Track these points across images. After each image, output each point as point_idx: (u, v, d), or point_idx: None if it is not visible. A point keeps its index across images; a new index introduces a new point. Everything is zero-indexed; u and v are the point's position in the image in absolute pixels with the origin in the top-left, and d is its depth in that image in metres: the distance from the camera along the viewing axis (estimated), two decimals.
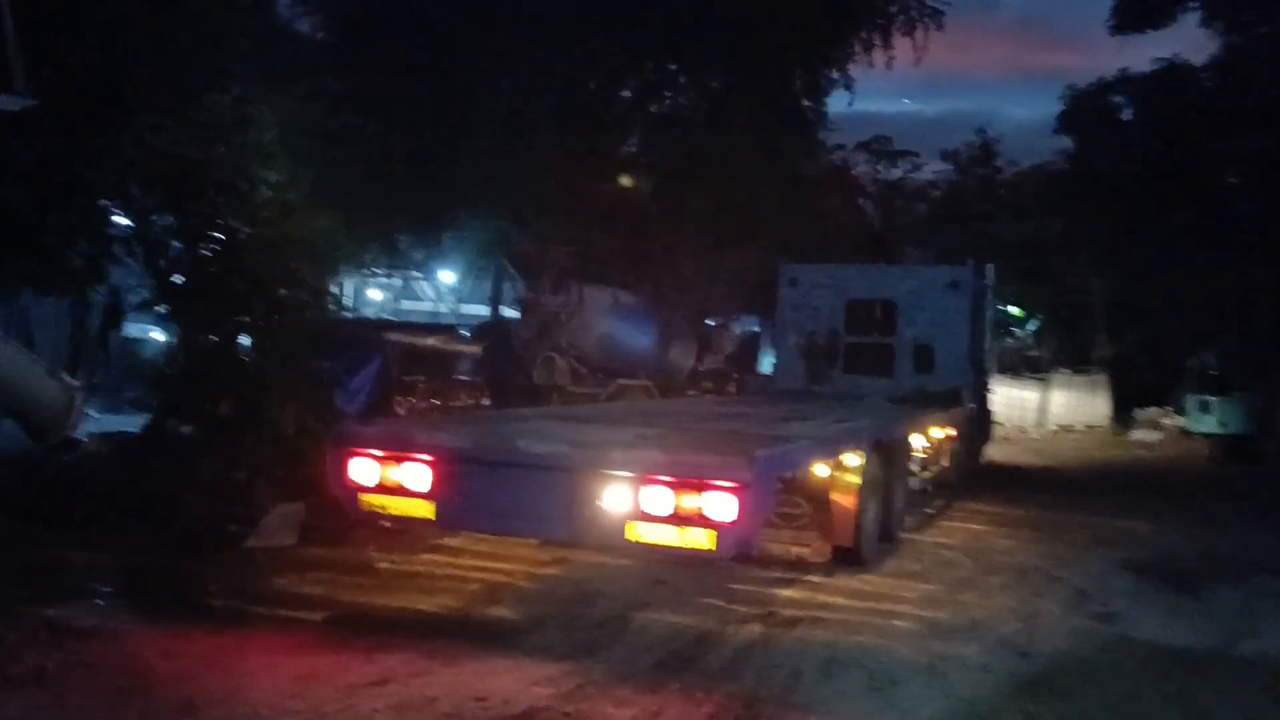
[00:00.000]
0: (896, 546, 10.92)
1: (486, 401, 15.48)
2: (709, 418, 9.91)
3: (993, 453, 20.33)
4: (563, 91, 21.51)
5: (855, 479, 9.41)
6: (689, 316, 21.84)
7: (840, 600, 8.68)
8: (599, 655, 7.00)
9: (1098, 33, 24.90)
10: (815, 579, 9.29)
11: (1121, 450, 25.73)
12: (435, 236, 21.93)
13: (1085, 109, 25.49)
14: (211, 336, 10.86)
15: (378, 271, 36.89)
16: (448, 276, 33.87)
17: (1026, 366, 32.25)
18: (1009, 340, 33.04)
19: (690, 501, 6.90)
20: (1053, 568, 10.50)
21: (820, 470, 9.12)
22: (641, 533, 7.00)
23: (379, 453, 7.68)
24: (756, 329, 25.11)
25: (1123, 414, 29.28)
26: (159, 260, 10.85)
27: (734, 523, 6.80)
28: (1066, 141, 27.04)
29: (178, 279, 10.89)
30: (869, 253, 23.97)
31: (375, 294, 41.39)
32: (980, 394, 16.98)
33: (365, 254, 21.77)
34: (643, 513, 6.99)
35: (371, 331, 13.98)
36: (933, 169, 39.12)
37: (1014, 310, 33.14)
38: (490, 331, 21.26)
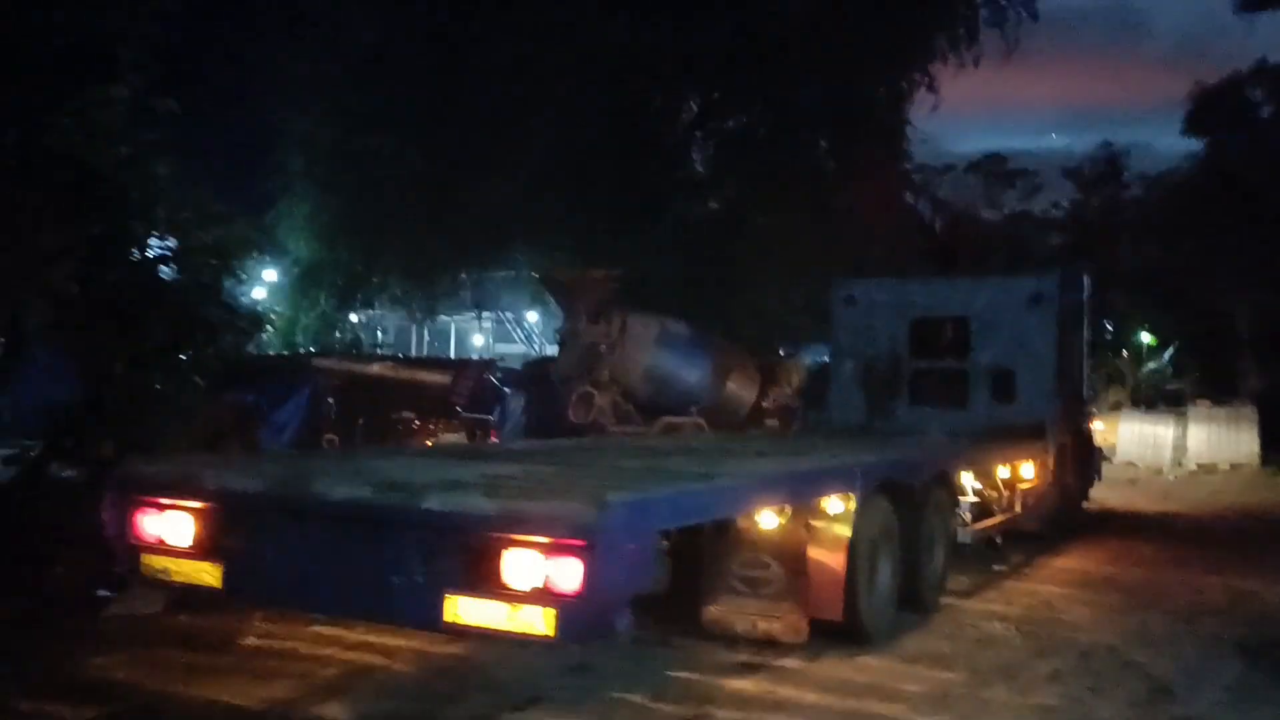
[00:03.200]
0: (928, 618, 8.58)
1: (494, 440, 13.66)
2: (656, 454, 7.82)
3: (1106, 497, 17.48)
4: (613, 109, 19.83)
5: (844, 531, 7.19)
6: (753, 347, 19.65)
7: (807, 697, 6.44)
8: None
9: None
10: (791, 663, 7.07)
11: (1270, 493, 22.25)
12: (467, 265, 20.36)
13: (1216, 106, 22.48)
14: (112, 364, 9.31)
15: (483, 313, 36.01)
16: (532, 316, 32.52)
17: (1163, 400, 28.91)
18: (1142, 371, 29.77)
19: (524, 568, 4.87)
20: (1132, 648, 7.99)
21: (794, 521, 6.97)
22: (462, 611, 4.99)
23: (166, 500, 5.87)
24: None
25: (1273, 452, 25.69)
26: (50, 278, 9.34)
27: (578, 595, 4.74)
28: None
29: (74, 300, 9.36)
30: (938, 265, 21.33)
31: (479, 339, 40.52)
32: (1077, 428, 14.35)
33: (391, 284, 20.51)
34: (464, 583, 4.99)
35: (300, 359, 12.32)
36: (1061, 196, 36.15)
37: (1147, 338, 29.85)
38: (533, 368, 19.62)
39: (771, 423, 19.00)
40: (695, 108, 22.11)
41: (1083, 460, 14.61)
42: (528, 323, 32.76)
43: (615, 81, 19.71)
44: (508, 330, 38.59)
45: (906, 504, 8.33)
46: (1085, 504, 15.03)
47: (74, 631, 7.51)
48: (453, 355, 37.92)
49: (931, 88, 20.51)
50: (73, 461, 9.26)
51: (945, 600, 9.22)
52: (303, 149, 19.05)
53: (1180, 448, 26.09)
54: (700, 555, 7.18)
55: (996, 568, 10.98)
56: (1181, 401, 28.56)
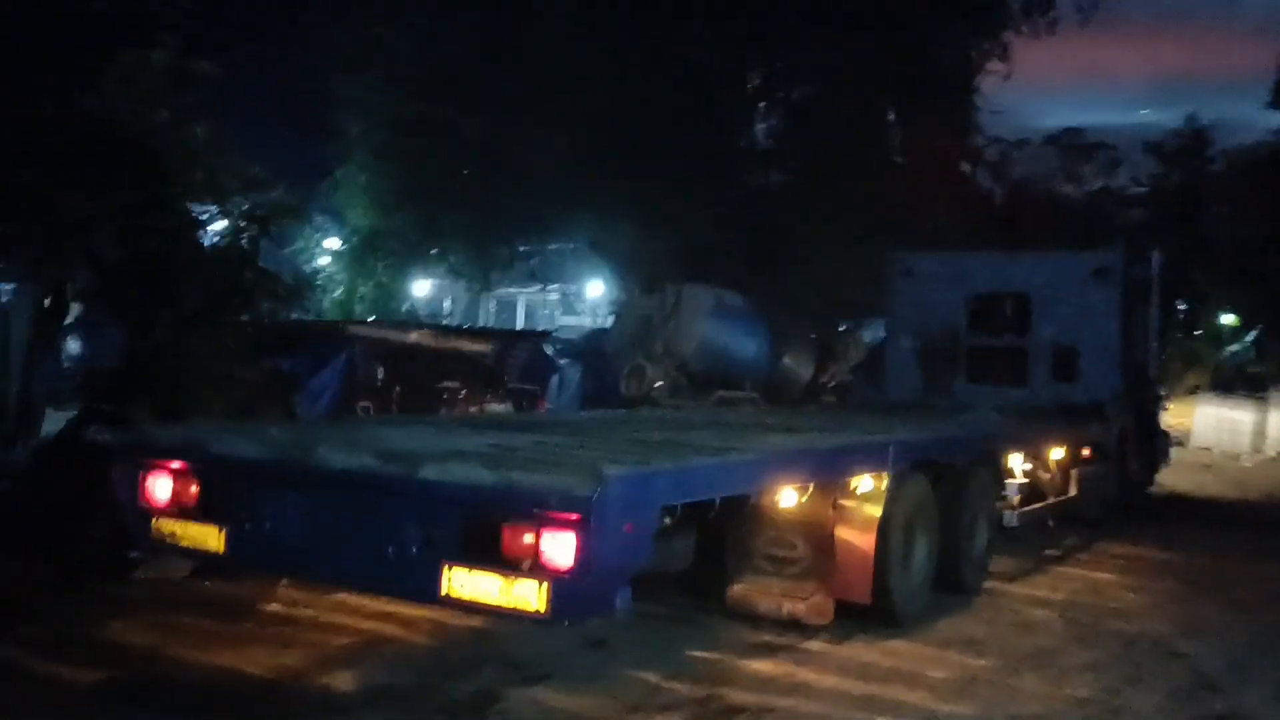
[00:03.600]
0: (968, 601, 8.29)
1: (540, 410, 13.55)
2: (683, 428, 7.59)
3: (1176, 482, 16.89)
4: (676, 77, 19.54)
5: (874, 510, 6.94)
6: (813, 321, 19.28)
7: (826, 681, 6.23)
8: None
9: None
10: (816, 645, 6.86)
11: None
12: (524, 236, 20.23)
13: None
14: (151, 329, 9.33)
15: (547, 286, 36.07)
16: (596, 288, 32.42)
17: (1244, 383, 27.90)
18: (1223, 354, 28.75)
19: (519, 541, 4.72)
20: (1180, 638, 7.64)
21: (821, 499, 6.74)
22: (460, 584, 4.86)
23: (176, 465, 5.83)
24: None
25: None
26: (91, 244, 9.39)
27: (571, 572, 4.59)
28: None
29: (113, 266, 9.41)
30: (998, 238, 20.66)
31: (545, 311, 40.57)
32: (1143, 408, 13.83)
33: (449, 254, 20.46)
34: (462, 556, 4.86)
35: (337, 327, 12.26)
36: (1142, 171, 34.92)
37: (1229, 319, 28.82)
38: (590, 340, 19.48)
39: (829, 398, 18.68)
40: (759, 77, 21.71)
41: (1148, 443, 14.08)
42: (590, 295, 32.64)
43: (678, 50, 19.42)
44: (573, 303, 38.52)
45: (946, 484, 8.04)
46: (1150, 489, 14.51)
47: (102, 594, 7.55)
48: (519, 327, 38.00)
49: (1003, 57, 19.88)
50: (110, 425, 9.30)
51: (988, 584, 8.91)
52: (360, 115, 19.05)
53: (1259, 434, 25.15)
54: (726, 532, 6.99)
55: (1048, 552, 10.62)
56: (1263, 386, 27.54)
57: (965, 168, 22.45)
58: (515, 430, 6.81)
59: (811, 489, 6.52)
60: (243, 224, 9.29)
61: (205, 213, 9.54)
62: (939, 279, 13.94)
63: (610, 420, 8.66)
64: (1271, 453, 25.01)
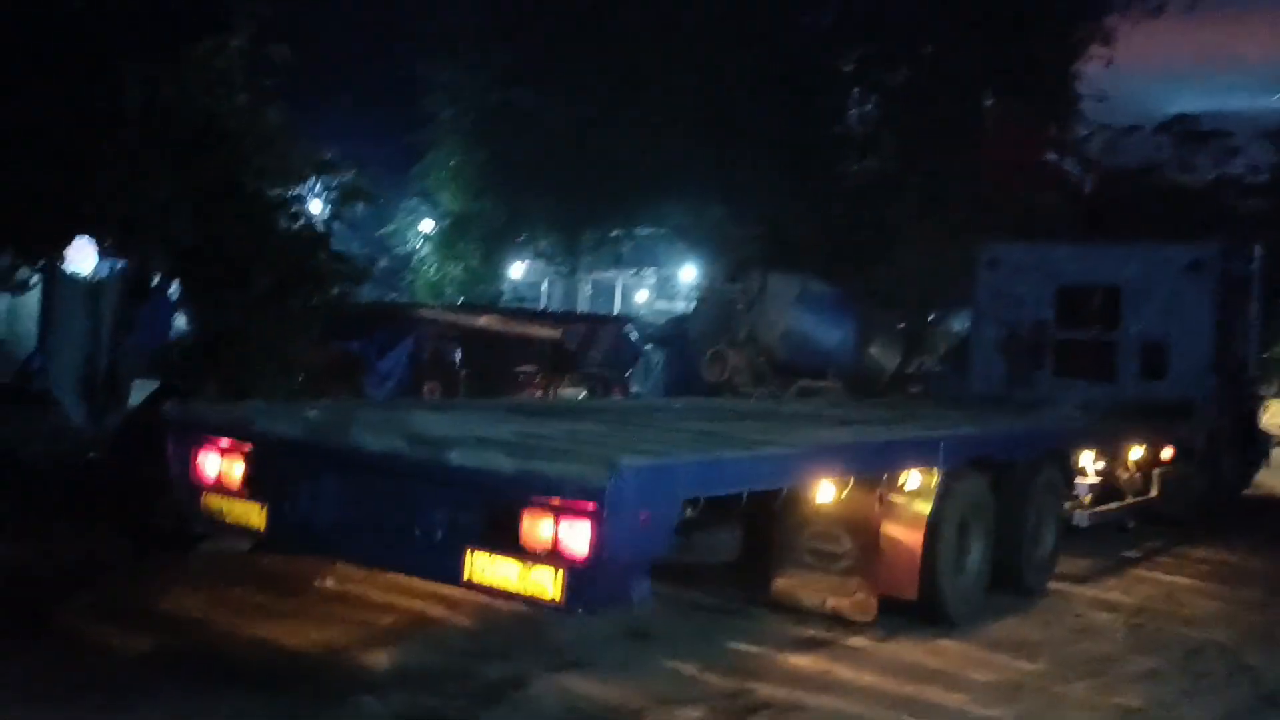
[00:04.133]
0: (1030, 602, 8.07)
1: (618, 397, 13.58)
2: (730, 418, 7.50)
3: (1277, 485, 16.23)
4: (768, 61, 19.34)
5: (923, 507, 6.79)
6: (902, 311, 18.94)
7: (863, 679, 6.11)
8: None
9: None
10: (860, 642, 6.75)
11: None
12: (613, 220, 20.23)
13: None
14: (223, 310, 9.59)
15: (642, 270, 36.08)
16: (690, 273, 32.36)
17: None
18: None
19: (537, 529, 4.74)
20: (1249, 650, 7.32)
21: (867, 495, 6.62)
22: (481, 569, 4.90)
23: (225, 443, 5.97)
24: None
25: None
26: (167, 228, 9.66)
27: (586, 562, 4.58)
28: None
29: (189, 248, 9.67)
30: (1086, 229, 19.94)
31: (643, 295, 40.66)
32: (1238, 407, 13.27)
33: (537, 238, 20.57)
34: (485, 541, 4.89)
35: (407, 310, 12.39)
36: (1261, 159, 33.38)
37: None
38: (675, 325, 19.46)
39: (915, 389, 18.34)
40: (853, 62, 21.35)
41: (1244, 444, 13.52)
42: (683, 280, 32.51)
43: (770, 33, 19.21)
44: (668, 288, 38.47)
45: (1007, 482, 7.83)
46: (1245, 491, 13.95)
47: (166, 566, 7.79)
48: (615, 311, 38.07)
49: (1105, 41, 19.21)
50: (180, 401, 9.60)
51: (1055, 585, 8.66)
52: (451, 100, 19.28)
53: None
54: (772, 525, 6.91)
55: (1126, 554, 10.28)
56: None
57: (1056, 157, 21.72)
58: (556, 417, 6.83)
59: (852, 484, 6.39)
60: (317, 207, 9.45)
61: (288, 195, 9.72)
62: (1025, 270, 13.57)
63: (659, 409, 8.61)
64: None
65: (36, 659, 5.70)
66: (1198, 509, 11.71)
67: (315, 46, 10.38)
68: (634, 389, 16.47)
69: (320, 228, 9.82)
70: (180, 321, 14.84)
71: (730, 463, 5.40)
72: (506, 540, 4.84)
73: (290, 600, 7.12)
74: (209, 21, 9.33)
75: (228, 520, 5.92)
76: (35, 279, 9.57)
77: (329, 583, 7.56)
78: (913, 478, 6.79)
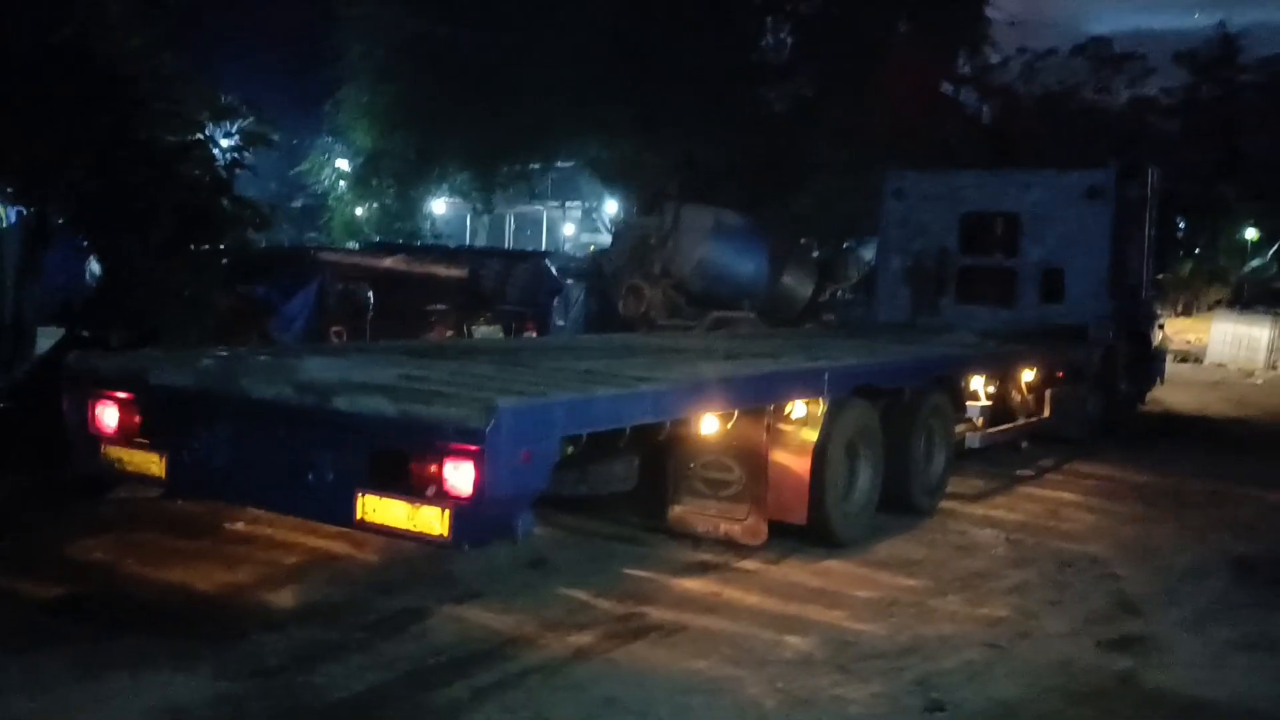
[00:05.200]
0: (918, 522, 8.47)
1: (532, 334, 13.73)
2: (616, 355, 7.71)
3: (1179, 400, 16.94)
4: None
5: (809, 435, 7.10)
6: (815, 241, 19.28)
7: (749, 600, 6.45)
8: (315, 671, 5.18)
9: None
10: (751, 565, 7.08)
11: None
12: (526, 154, 20.21)
13: None
14: (127, 257, 9.57)
15: (567, 203, 36.00)
16: (612, 207, 32.37)
17: (1266, 299, 27.57)
18: (1245, 269, 28.35)
19: (422, 470, 4.95)
20: (1120, 560, 7.79)
21: (754, 424, 6.90)
22: (371, 510, 5.10)
23: (123, 394, 6.08)
24: None
25: None
26: (66, 175, 9.58)
27: (470, 500, 4.81)
28: None
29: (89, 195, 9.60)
30: (992, 157, 20.38)
31: (569, 229, 40.61)
32: (1134, 329, 13.78)
33: (451, 174, 20.49)
34: (373, 483, 5.09)
35: (310, 253, 12.43)
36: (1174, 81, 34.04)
37: (1252, 234, 28.37)
38: (594, 260, 19.59)
39: (829, 317, 18.74)
40: None
41: (1140, 364, 14.06)
42: (607, 213, 32.61)
43: None
44: (594, 221, 38.52)
45: (894, 409, 8.17)
46: (1141, 408, 14.53)
47: (76, 515, 7.87)
48: (543, 246, 38.02)
49: None
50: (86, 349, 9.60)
51: (946, 505, 9.08)
52: (361, 35, 19.03)
53: (1275, 350, 24.93)
54: (666, 456, 7.19)
55: (1020, 472, 10.75)
56: None
57: (952, 88, 22.03)
58: (446, 359, 7.01)
59: (739, 415, 6.67)
60: (216, 152, 9.43)
61: (190, 140, 9.65)
62: (930, 198, 13.92)
63: (548, 347, 8.84)
64: None
65: None
66: (1091, 427, 12.23)
67: None
68: (558, 323, 16.63)
69: (223, 173, 9.78)
70: (95, 268, 14.71)
71: (607, 400, 5.64)
72: (394, 481, 5.05)
73: (199, 543, 7.26)
74: None
75: (129, 470, 6.04)
76: None
77: (239, 525, 7.71)
78: (799, 407, 7.09)
